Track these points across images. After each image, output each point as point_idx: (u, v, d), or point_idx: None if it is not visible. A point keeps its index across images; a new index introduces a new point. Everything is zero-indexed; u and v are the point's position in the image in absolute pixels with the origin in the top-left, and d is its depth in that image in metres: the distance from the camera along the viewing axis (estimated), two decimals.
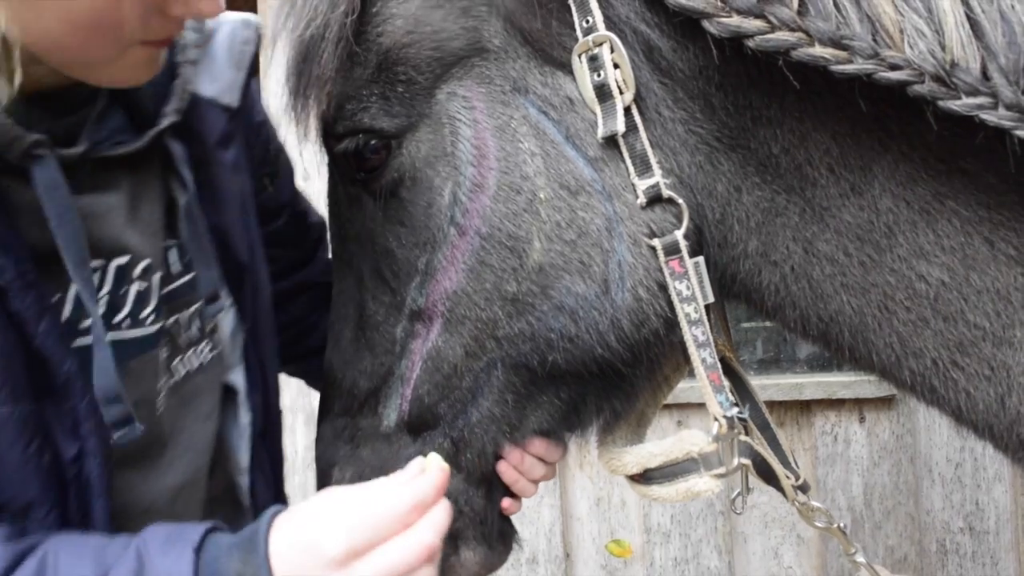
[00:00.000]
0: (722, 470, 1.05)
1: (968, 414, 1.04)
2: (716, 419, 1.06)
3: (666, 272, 1.00)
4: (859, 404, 3.04)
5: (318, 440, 1.18)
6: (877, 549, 2.98)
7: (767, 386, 3.00)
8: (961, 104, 0.85)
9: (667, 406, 1.80)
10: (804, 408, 3.07)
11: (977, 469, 2.94)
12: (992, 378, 1.01)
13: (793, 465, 1.14)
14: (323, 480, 1.15)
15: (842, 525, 1.19)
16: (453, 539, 1.09)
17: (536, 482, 1.15)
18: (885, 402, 3.02)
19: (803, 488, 1.15)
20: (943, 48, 0.86)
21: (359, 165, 1.06)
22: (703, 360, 1.03)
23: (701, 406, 3.18)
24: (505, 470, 1.11)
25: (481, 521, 1.13)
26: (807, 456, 3.05)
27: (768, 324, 3.35)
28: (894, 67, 0.86)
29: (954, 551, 2.95)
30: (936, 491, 2.98)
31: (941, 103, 0.86)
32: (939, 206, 0.98)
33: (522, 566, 3.05)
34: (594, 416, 1.13)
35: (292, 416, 2.97)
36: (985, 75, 0.85)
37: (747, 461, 1.07)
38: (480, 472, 1.10)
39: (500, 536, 1.16)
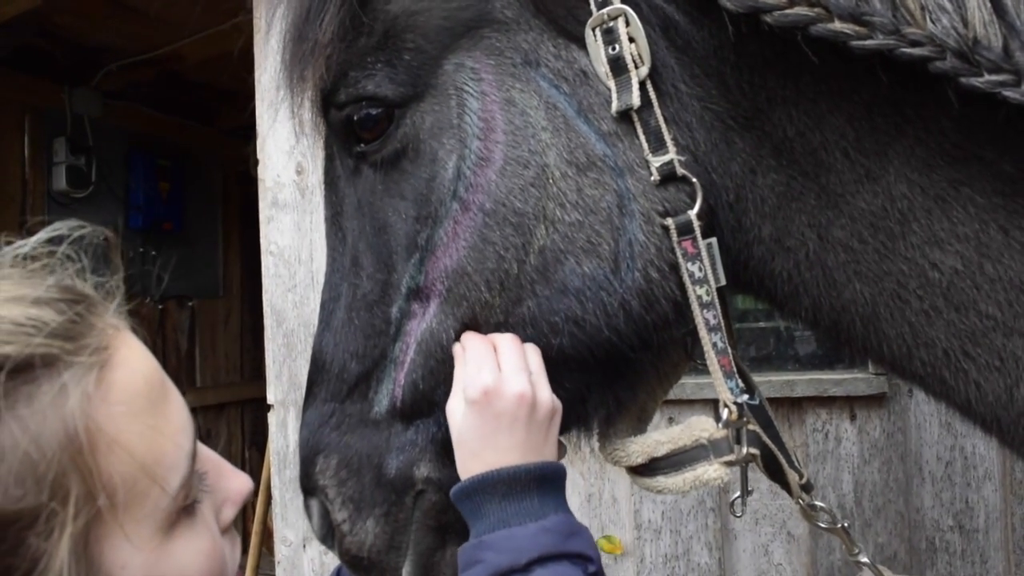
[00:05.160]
0: (732, 456, 1.02)
1: (977, 406, 1.02)
2: (726, 405, 1.03)
3: (678, 252, 0.97)
4: (850, 402, 3.03)
5: (303, 426, 1.12)
6: (867, 547, 2.97)
7: (758, 383, 2.98)
8: (983, 81, 0.83)
9: None
10: (795, 405, 3.06)
11: (967, 468, 2.94)
12: (1002, 369, 0.99)
13: (797, 464, 1.12)
14: (306, 468, 1.10)
15: (845, 525, 1.17)
16: (441, 532, 1.04)
17: None
18: (876, 400, 3.02)
19: (807, 487, 1.12)
20: (965, 24, 0.84)
21: (360, 135, 1.02)
22: (714, 344, 1.00)
23: (694, 403, 3.17)
24: None
25: None
26: (798, 453, 3.04)
27: (759, 324, 3.35)
28: (915, 43, 0.85)
29: (943, 549, 2.95)
30: (926, 489, 2.98)
31: (963, 80, 0.84)
32: (954, 193, 0.96)
33: None
34: (598, 407, 1.09)
35: (284, 410, 2.93)
36: (1007, 52, 0.84)
37: (756, 451, 1.05)
38: None
39: None
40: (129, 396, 0.66)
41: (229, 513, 0.78)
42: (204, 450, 0.78)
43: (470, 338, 0.99)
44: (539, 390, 0.96)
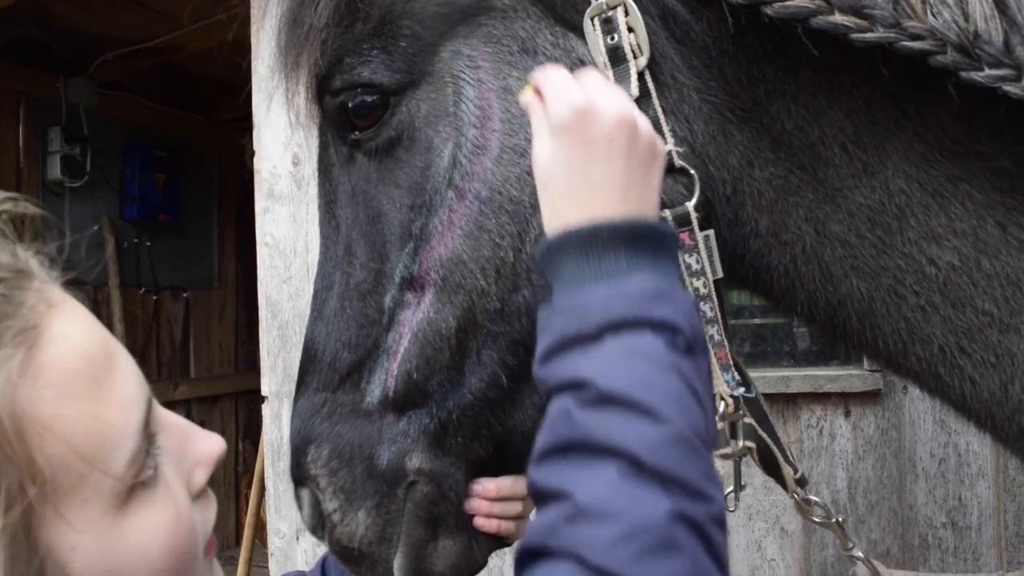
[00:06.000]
0: (728, 450, 1.02)
1: (971, 402, 1.02)
2: (723, 398, 1.02)
3: None
4: (845, 398, 3.04)
5: (294, 416, 1.11)
6: (860, 543, 2.98)
7: (753, 379, 2.99)
8: (984, 75, 0.83)
9: None
10: (790, 401, 3.07)
11: (960, 465, 2.95)
12: (997, 365, 0.99)
13: (792, 459, 1.12)
14: (297, 457, 1.08)
15: (840, 520, 1.17)
16: (433, 524, 1.03)
17: (516, 520, 1.06)
18: (871, 396, 3.03)
19: (801, 482, 1.12)
20: (966, 18, 0.84)
21: (355, 122, 1.02)
22: (711, 337, 0.99)
23: None
24: (479, 508, 1.04)
25: (465, 509, 1.06)
26: (792, 449, 3.05)
27: (755, 320, 3.35)
28: (916, 37, 0.84)
29: (936, 546, 2.96)
30: (919, 486, 2.99)
31: (963, 74, 0.84)
32: (953, 188, 0.96)
33: (506, 555, 3.02)
34: None
35: (278, 402, 2.92)
36: (1008, 47, 0.84)
37: (752, 444, 1.05)
38: (468, 458, 1.03)
39: (484, 533, 1.07)
40: (62, 376, 0.62)
41: (200, 477, 0.74)
42: (167, 416, 0.74)
43: (545, 71, 0.86)
44: (638, 115, 0.83)
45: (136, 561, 0.65)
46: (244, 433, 6.12)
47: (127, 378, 0.68)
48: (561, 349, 0.77)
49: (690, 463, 0.70)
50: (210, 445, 0.76)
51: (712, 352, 1.01)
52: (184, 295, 5.85)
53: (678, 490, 0.68)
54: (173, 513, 0.68)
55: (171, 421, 0.74)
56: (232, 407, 6.10)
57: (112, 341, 0.69)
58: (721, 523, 0.70)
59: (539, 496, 0.73)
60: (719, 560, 0.69)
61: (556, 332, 0.78)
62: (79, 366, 0.64)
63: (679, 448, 0.70)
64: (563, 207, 0.81)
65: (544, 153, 0.83)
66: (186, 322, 5.87)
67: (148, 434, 0.68)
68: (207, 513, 0.75)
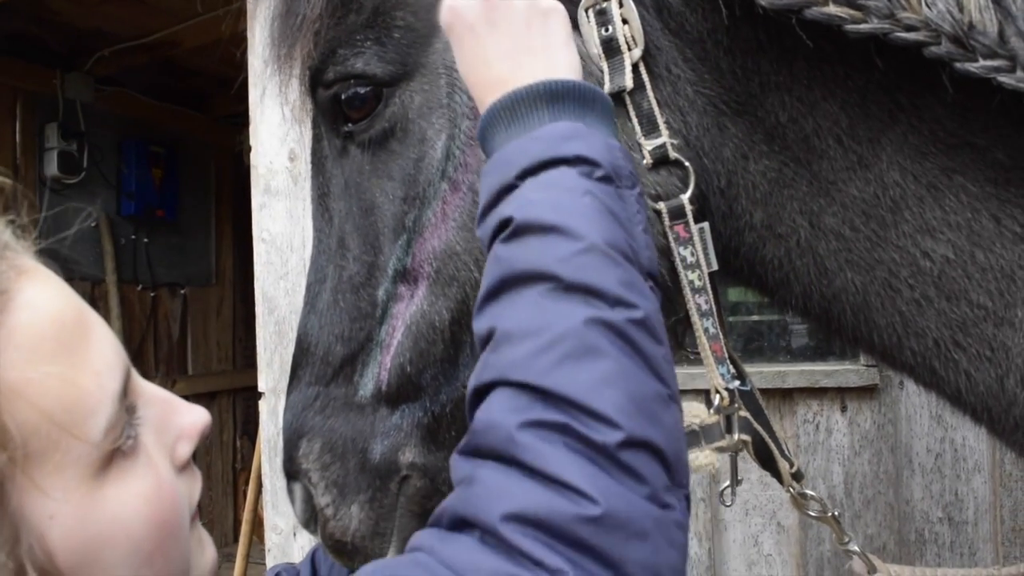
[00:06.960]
0: (724, 442, 1.02)
1: (967, 396, 1.02)
2: (718, 391, 1.02)
3: (670, 237, 0.97)
4: (841, 393, 3.04)
5: (286, 410, 1.11)
6: (856, 539, 2.98)
7: (750, 374, 2.98)
8: (978, 66, 0.83)
9: None
10: (786, 396, 3.07)
11: (957, 460, 2.96)
12: (992, 359, 0.99)
13: (787, 452, 1.12)
14: (289, 452, 1.08)
15: (836, 514, 1.17)
16: (426, 518, 1.01)
17: None
18: (867, 391, 3.02)
19: (797, 476, 1.12)
20: (961, 9, 0.84)
21: (348, 114, 1.01)
22: (706, 330, 0.99)
23: (684, 392, 3.18)
24: None
25: None
26: (789, 444, 3.05)
27: (752, 317, 3.35)
28: (910, 28, 0.84)
29: (933, 541, 2.97)
30: (916, 481, 2.99)
31: (958, 65, 0.83)
32: (947, 181, 0.96)
33: None
34: None
35: (274, 398, 2.91)
36: (1002, 38, 0.83)
37: (747, 437, 1.04)
38: None
39: None
40: (32, 341, 0.61)
41: (185, 450, 0.73)
42: (148, 387, 0.73)
43: None
44: None
45: (116, 531, 0.64)
46: (242, 430, 6.11)
47: (102, 345, 0.67)
48: (492, 204, 0.80)
49: (606, 272, 0.72)
50: (194, 417, 0.75)
51: (708, 345, 1.01)
52: (182, 291, 5.84)
53: (595, 299, 0.70)
54: (154, 483, 0.68)
55: (153, 392, 0.73)
56: (230, 404, 6.10)
57: (87, 309, 0.68)
58: (649, 330, 0.72)
59: (480, 345, 0.76)
60: (651, 367, 0.70)
61: (486, 190, 0.81)
62: (50, 331, 0.63)
63: (594, 259, 0.72)
64: (488, 94, 0.84)
65: (459, 57, 0.88)
66: (183, 319, 5.86)
67: (126, 403, 0.67)
68: (192, 486, 0.75)
